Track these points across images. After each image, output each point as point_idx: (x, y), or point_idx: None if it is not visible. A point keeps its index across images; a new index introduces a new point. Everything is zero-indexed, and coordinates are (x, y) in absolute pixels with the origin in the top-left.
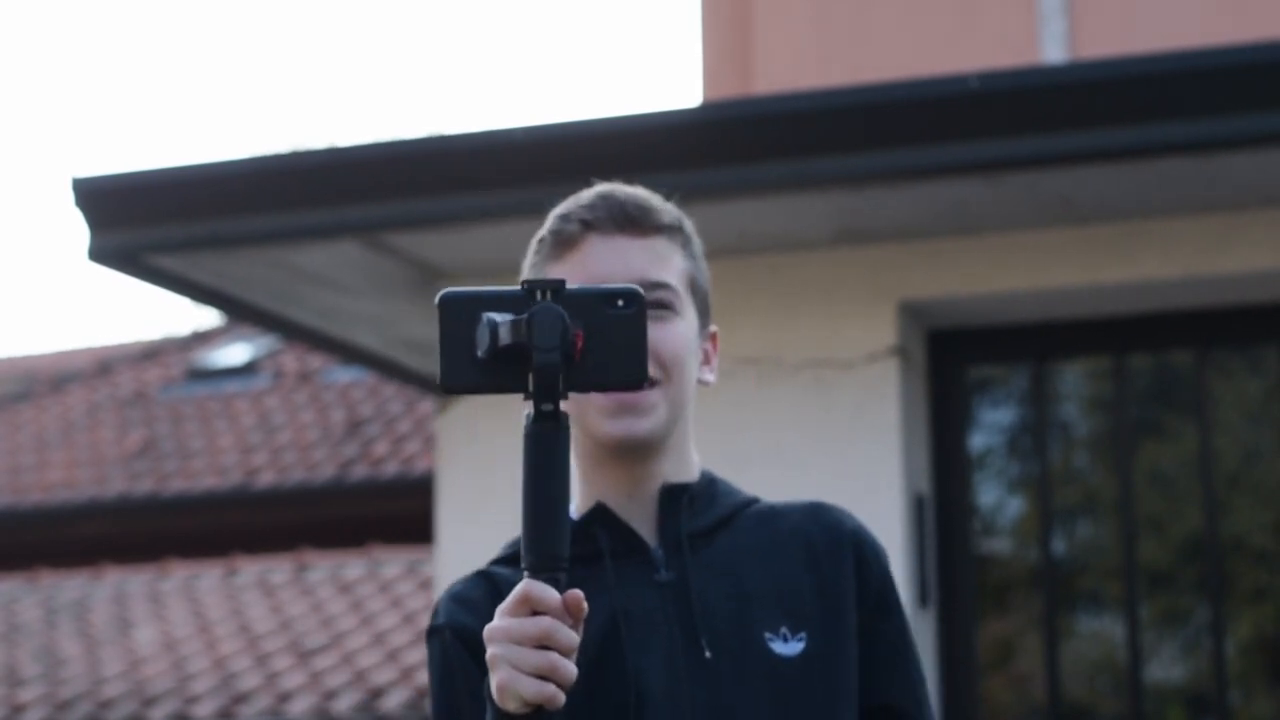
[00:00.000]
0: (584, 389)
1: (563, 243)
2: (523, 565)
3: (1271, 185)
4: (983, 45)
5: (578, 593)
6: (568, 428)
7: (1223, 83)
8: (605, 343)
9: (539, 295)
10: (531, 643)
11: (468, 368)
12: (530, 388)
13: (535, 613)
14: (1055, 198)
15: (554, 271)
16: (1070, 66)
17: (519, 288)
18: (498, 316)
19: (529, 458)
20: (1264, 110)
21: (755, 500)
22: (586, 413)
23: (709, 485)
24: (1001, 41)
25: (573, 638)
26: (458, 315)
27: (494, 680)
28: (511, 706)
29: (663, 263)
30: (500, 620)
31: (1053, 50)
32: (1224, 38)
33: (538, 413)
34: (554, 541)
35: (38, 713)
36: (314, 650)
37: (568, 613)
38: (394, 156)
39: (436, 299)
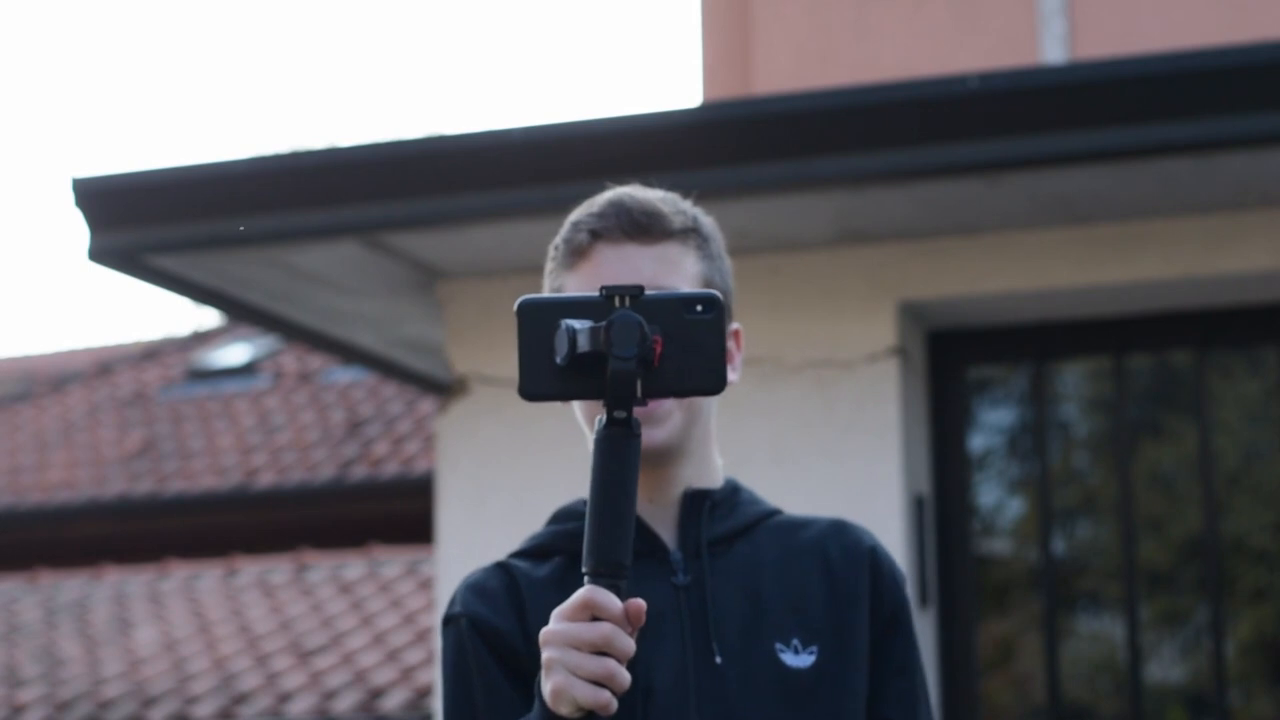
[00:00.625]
0: (662, 394)
1: (573, 252)
2: (583, 569)
3: (1271, 185)
4: (983, 45)
5: (640, 602)
6: (639, 435)
7: (1223, 83)
8: (683, 348)
9: (617, 302)
10: (590, 648)
11: (547, 375)
12: (606, 396)
13: (594, 618)
14: (1055, 198)
15: (567, 281)
16: (1070, 67)
17: (598, 294)
18: (576, 324)
19: (599, 463)
20: (1264, 110)
21: (777, 512)
22: None
23: (732, 493)
24: (1001, 41)
25: (630, 645)
26: (536, 322)
27: (548, 684)
28: (565, 711)
29: (673, 269)
30: (559, 624)
31: (1053, 50)
32: (1224, 38)
33: (610, 419)
34: (618, 548)
35: (38, 713)
36: (314, 650)
37: (627, 620)
38: (394, 156)
39: (515, 306)
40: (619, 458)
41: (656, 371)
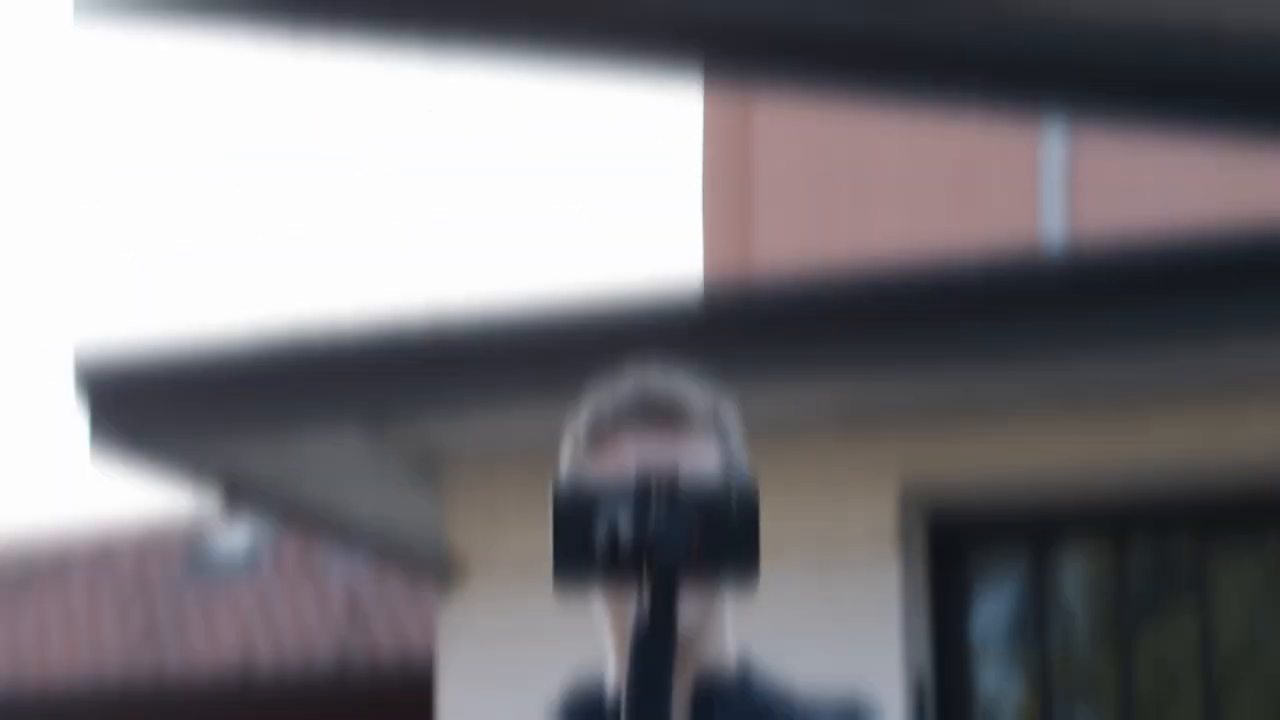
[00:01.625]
0: (697, 584)
1: (595, 438)
2: None
3: (1272, 370)
4: (982, 221)
5: None
6: (678, 638)
7: (1224, 266)
8: (720, 538)
9: (654, 489)
10: None
11: (584, 569)
12: (647, 591)
13: None
14: (1057, 381)
15: (587, 466)
16: (1071, 253)
17: (633, 481)
18: (619, 519)
19: (633, 670)
20: (1267, 295)
21: (786, 700)
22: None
23: (743, 686)
24: (1001, 217)
25: None
26: (573, 512)
27: None
28: None
29: (695, 458)
30: None
31: (1052, 224)
32: (1221, 210)
33: (651, 621)
34: None
35: None
36: None
37: None
38: (396, 342)
39: (550, 493)
40: (654, 666)
41: (693, 563)
